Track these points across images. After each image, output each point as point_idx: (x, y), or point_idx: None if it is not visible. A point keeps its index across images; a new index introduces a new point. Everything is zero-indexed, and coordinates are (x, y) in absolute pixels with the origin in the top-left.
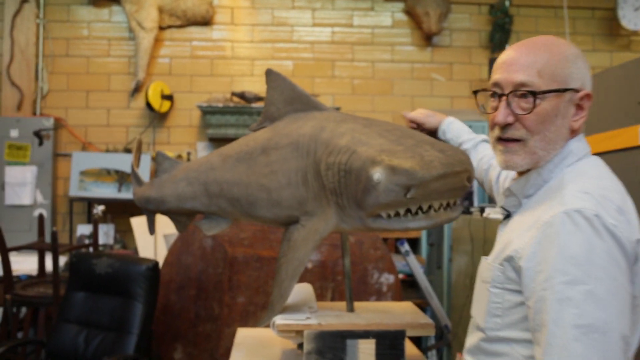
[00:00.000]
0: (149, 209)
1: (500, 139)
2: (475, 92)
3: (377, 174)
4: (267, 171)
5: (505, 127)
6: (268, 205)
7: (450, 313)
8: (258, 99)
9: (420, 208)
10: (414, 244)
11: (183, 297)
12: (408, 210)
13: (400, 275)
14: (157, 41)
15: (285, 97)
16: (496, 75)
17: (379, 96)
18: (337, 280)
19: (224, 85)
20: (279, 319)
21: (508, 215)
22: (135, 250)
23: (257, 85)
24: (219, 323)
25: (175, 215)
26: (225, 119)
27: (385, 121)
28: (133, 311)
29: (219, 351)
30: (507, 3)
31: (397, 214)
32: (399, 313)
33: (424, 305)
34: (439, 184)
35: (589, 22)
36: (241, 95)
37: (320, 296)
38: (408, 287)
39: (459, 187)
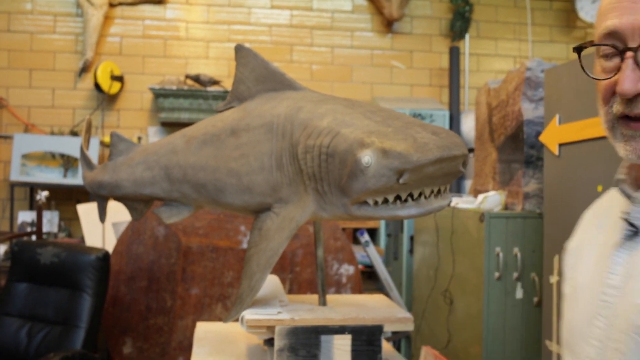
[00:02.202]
0: (101, 195)
1: (626, 118)
2: (578, 49)
3: (367, 157)
4: (237, 154)
5: (634, 99)
6: (238, 191)
7: (410, 304)
8: (213, 82)
9: (410, 195)
10: (372, 234)
11: (133, 288)
12: (397, 197)
13: (359, 267)
14: (107, 19)
15: (256, 75)
16: (612, 20)
17: (338, 83)
18: (295, 272)
19: (177, 67)
20: (249, 314)
21: (636, 232)
22: (82, 239)
23: (212, 68)
24: (171, 316)
25: (131, 201)
26: (178, 103)
27: (367, 102)
28: (81, 304)
29: (171, 345)
30: None
31: (385, 201)
32: (374, 307)
33: None
34: (434, 169)
35: (547, 13)
36: (196, 78)
37: None
38: (366, 279)
39: (453, 172)
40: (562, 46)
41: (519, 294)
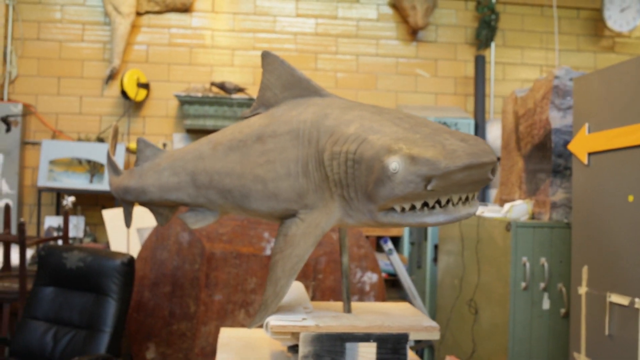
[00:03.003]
0: (127, 200)
1: None
2: None
3: (394, 163)
4: (263, 161)
5: None
6: (264, 197)
7: (434, 313)
8: (238, 90)
9: (438, 202)
10: (396, 242)
11: (157, 294)
12: (424, 204)
13: (382, 275)
14: (134, 27)
15: (282, 82)
16: None
17: (363, 91)
18: (318, 279)
19: (202, 75)
20: (273, 320)
21: None
22: (107, 244)
23: (237, 76)
24: (194, 322)
25: (156, 207)
26: (203, 110)
27: (394, 109)
28: (106, 308)
29: (194, 351)
30: (493, 0)
31: (413, 208)
32: (399, 315)
33: None
34: (462, 176)
35: (574, 22)
36: (221, 86)
37: None
38: (389, 287)
39: (482, 179)
40: (589, 55)
41: (546, 304)
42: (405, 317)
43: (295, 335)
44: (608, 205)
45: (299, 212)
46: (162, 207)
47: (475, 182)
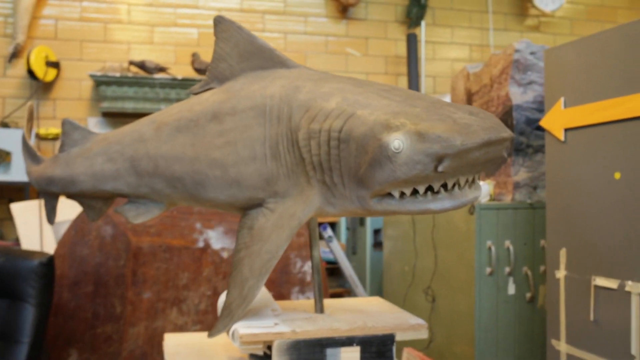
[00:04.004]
0: (51, 192)
1: None
2: None
3: (396, 141)
4: (222, 142)
5: None
6: (223, 184)
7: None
8: (160, 69)
9: (444, 185)
10: (333, 228)
11: (78, 294)
12: (428, 188)
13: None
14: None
15: (240, 51)
16: None
17: None
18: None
19: (119, 53)
20: (242, 328)
21: None
22: (16, 241)
23: (157, 55)
24: (121, 323)
25: (88, 199)
26: (122, 91)
27: (373, 81)
28: (23, 316)
29: (122, 354)
30: None
31: (414, 193)
32: (378, 312)
33: (344, 294)
34: (479, 154)
35: (501, 1)
36: (141, 65)
37: None
38: (328, 275)
39: (496, 157)
40: (516, 34)
41: (512, 289)
42: (386, 314)
43: (266, 343)
44: (589, 184)
45: (266, 201)
46: (95, 200)
47: (489, 161)
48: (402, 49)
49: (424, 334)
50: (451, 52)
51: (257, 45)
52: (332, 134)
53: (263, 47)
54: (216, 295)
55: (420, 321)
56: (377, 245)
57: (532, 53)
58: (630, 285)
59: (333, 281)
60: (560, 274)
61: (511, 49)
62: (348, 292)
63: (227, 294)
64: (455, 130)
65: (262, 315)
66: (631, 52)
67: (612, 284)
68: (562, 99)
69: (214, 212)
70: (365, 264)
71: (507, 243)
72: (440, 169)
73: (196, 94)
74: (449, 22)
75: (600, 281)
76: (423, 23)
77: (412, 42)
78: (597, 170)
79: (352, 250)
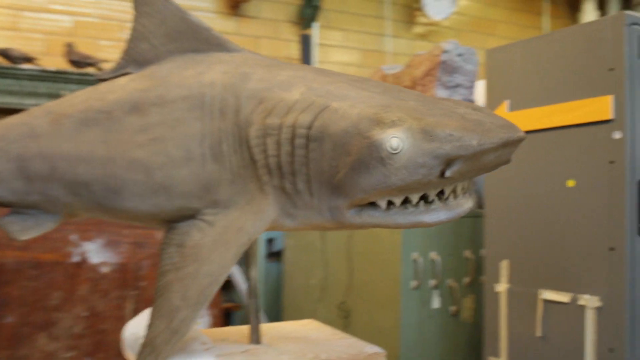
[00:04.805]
0: None
1: None
2: None
3: (395, 139)
4: (145, 139)
5: None
6: (146, 191)
7: (279, 318)
8: (27, 59)
9: (440, 192)
10: None
11: None
12: (421, 197)
13: None
14: None
15: (168, 30)
16: None
17: None
18: (140, 288)
19: None
20: None
21: None
22: None
23: (24, 43)
24: None
25: None
26: None
27: (333, 71)
28: None
29: None
30: None
31: (404, 202)
32: (323, 339)
33: (235, 309)
34: (493, 157)
35: (391, 7)
36: (4, 53)
37: (118, 307)
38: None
39: (504, 161)
40: (404, 41)
41: (436, 303)
42: (334, 342)
43: None
44: (538, 192)
45: (202, 212)
46: None
47: (496, 165)
48: (294, 50)
49: None
50: (344, 55)
51: (189, 23)
52: (298, 130)
53: (197, 25)
54: (94, 316)
55: (377, 349)
56: (272, 255)
57: (459, 55)
58: (585, 299)
59: (222, 295)
60: (502, 287)
61: (438, 50)
62: (239, 307)
63: (150, 327)
64: (468, 129)
65: (191, 352)
66: (584, 55)
67: (564, 297)
68: (506, 102)
69: (93, 221)
70: (259, 277)
71: (433, 255)
72: (448, 173)
73: (105, 79)
74: (342, 25)
75: (549, 295)
76: (316, 25)
77: (306, 44)
78: (547, 178)
79: (241, 261)
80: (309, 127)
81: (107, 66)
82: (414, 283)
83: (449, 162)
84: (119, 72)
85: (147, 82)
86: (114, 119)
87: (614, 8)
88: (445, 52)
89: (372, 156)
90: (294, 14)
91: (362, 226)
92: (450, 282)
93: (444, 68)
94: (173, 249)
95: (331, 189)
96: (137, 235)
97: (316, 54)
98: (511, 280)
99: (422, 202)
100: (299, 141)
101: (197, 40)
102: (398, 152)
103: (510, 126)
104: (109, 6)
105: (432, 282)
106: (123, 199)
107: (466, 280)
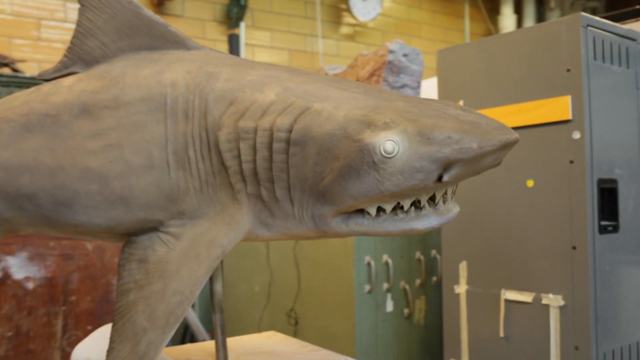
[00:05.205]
0: None
1: None
2: None
3: (389, 142)
4: (99, 145)
5: None
6: (102, 203)
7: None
8: None
9: (431, 198)
10: None
11: None
12: (412, 204)
13: None
14: None
15: (119, 25)
16: None
17: None
18: (70, 302)
19: None
20: None
21: None
22: None
23: None
24: None
25: None
26: None
27: (302, 70)
28: None
29: None
30: None
31: (395, 209)
32: (294, 353)
33: None
34: (491, 160)
35: (319, 7)
36: None
37: (47, 325)
38: None
39: (495, 164)
40: (331, 42)
41: (390, 306)
42: (305, 355)
43: None
44: (497, 192)
45: (166, 225)
46: None
47: (488, 168)
48: (221, 50)
49: None
50: (272, 56)
51: (143, 18)
52: (277, 134)
53: (152, 21)
54: (19, 336)
55: None
56: None
57: (405, 55)
58: (549, 298)
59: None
60: (461, 288)
61: (384, 50)
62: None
63: (111, 352)
64: (466, 131)
65: None
66: (541, 56)
67: (526, 297)
68: (461, 103)
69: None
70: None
71: (385, 257)
72: (445, 178)
73: (48, 80)
74: (269, 25)
75: (512, 295)
76: (243, 24)
77: (234, 44)
78: (505, 178)
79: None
80: (289, 131)
81: (22, 66)
82: (367, 287)
83: (447, 165)
84: (63, 71)
85: (98, 82)
86: (61, 123)
87: (529, 12)
88: (391, 52)
89: (363, 161)
90: (220, 13)
91: (348, 235)
92: (402, 284)
93: (390, 68)
94: (134, 265)
95: (315, 197)
96: (65, 247)
97: (243, 54)
98: (471, 281)
99: (412, 208)
100: (277, 145)
101: (152, 37)
102: (392, 156)
103: (505, 128)
104: (23, 2)
105: (386, 286)
106: (75, 212)
107: (418, 282)
